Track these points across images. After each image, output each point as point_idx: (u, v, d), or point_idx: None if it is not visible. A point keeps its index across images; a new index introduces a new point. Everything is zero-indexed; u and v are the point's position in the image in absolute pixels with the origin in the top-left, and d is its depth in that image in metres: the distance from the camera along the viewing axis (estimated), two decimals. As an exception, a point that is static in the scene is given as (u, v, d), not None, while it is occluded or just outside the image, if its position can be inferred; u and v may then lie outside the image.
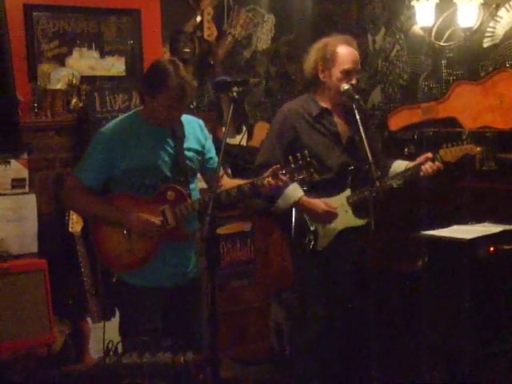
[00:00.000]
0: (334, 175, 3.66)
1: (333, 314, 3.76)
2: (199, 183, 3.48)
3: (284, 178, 3.13)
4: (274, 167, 3.15)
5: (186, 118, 3.38)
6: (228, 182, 3.35)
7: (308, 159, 3.13)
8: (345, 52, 3.63)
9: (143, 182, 3.24)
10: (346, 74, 3.60)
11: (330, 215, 3.62)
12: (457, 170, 4.45)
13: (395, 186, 3.62)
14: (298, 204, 3.60)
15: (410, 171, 3.65)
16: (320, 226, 3.63)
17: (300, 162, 3.13)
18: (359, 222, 3.68)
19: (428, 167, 3.62)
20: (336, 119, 3.71)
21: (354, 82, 3.62)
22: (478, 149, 3.74)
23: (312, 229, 3.63)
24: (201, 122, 3.47)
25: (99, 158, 3.24)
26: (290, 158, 3.15)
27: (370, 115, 3.97)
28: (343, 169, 3.68)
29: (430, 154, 3.65)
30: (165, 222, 3.20)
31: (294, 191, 3.58)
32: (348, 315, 3.85)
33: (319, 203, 3.61)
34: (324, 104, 3.69)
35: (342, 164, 3.68)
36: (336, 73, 3.61)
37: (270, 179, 3.13)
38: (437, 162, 3.63)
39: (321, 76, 3.65)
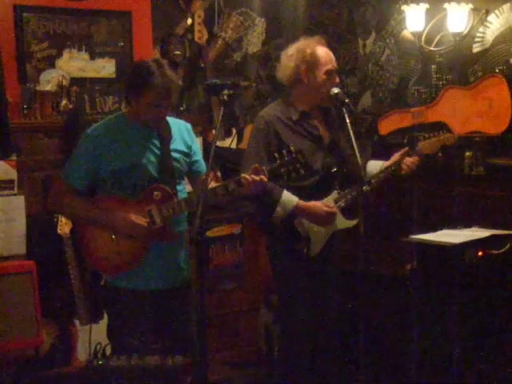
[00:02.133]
0: (320, 178, 3.66)
1: (320, 317, 3.76)
2: (186, 186, 3.48)
3: (263, 176, 3.15)
4: (257, 164, 3.18)
5: (172, 121, 3.39)
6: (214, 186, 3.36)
7: (293, 155, 3.16)
8: (324, 52, 3.66)
9: (130, 182, 3.24)
10: (330, 74, 3.63)
11: (332, 215, 3.62)
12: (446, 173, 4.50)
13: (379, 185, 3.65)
14: (297, 209, 3.60)
15: (391, 168, 3.68)
16: (312, 231, 3.62)
17: (286, 157, 3.17)
18: (349, 223, 3.69)
19: (408, 162, 3.65)
20: (316, 122, 3.72)
21: (337, 80, 3.66)
22: (456, 137, 3.77)
23: (303, 235, 3.62)
24: (188, 125, 3.47)
25: (85, 160, 3.25)
26: (276, 154, 3.20)
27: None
28: (327, 171, 3.69)
29: (406, 149, 3.70)
30: (151, 223, 3.20)
31: (289, 197, 3.57)
32: (337, 318, 3.86)
33: (319, 205, 3.60)
34: (302, 107, 3.70)
35: (326, 166, 3.69)
36: (320, 74, 3.62)
37: (254, 176, 3.15)
38: (415, 156, 3.66)
39: (305, 80, 3.65)
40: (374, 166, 3.76)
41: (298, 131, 3.67)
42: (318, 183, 3.65)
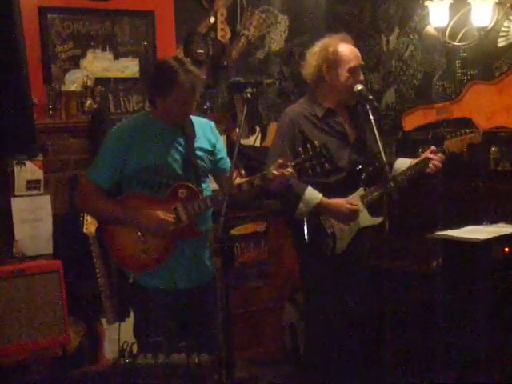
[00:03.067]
0: (346, 175, 3.66)
1: (346, 314, 3.76)
2: (211, 184, 3.48)
3: (291, 169, 3.16)
4: (282, 159, 3.18)
5: (196, 120, 3.39)
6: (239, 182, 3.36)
7: (318, 149, 3.15)
8: (347, 50, 3.65)
9: (155, 180, 3.25)
10: (353, 72, 3.62)
11: (355, 213, 3.61)
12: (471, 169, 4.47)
13: (405, 183, 3.63)
14: (320, 205, 3.59)
15: (418, 165, 3.66)
16: (337, 228, 3.61)
17: (310, 152, 3.17)
18: (375, 221, 3.67)
19: (435, 160, 3.63)
20: (341, 119, 3.72)
21: (362, 77, 3.65)
22: (481, 135, 3.75)
23: (329, 232, 3.62)
24: (212, 123, 3.48)
25: (111, 159, 3.26)
26: (300, 149, 3.20)
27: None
28: (353, 168, 3.68)
29: (433, 147, 3.68)
30: (177, 220, 3.21)
31: (312, 194, 3.57)
32: (362, 316, 3.85)
33: (342, 202, 3.59)
34: (328, 105, 3.70)
35: (351, 163, 3.68)
36: (343, 72, 3.62)
37: (277, 171, 3.15)
38: (440, 154, 3.65)
39: (327, 78, 3.65)
40: (403, 163, 3.75)
41: (323, 128, 3.66)
42: (343, 180, 3.64)
